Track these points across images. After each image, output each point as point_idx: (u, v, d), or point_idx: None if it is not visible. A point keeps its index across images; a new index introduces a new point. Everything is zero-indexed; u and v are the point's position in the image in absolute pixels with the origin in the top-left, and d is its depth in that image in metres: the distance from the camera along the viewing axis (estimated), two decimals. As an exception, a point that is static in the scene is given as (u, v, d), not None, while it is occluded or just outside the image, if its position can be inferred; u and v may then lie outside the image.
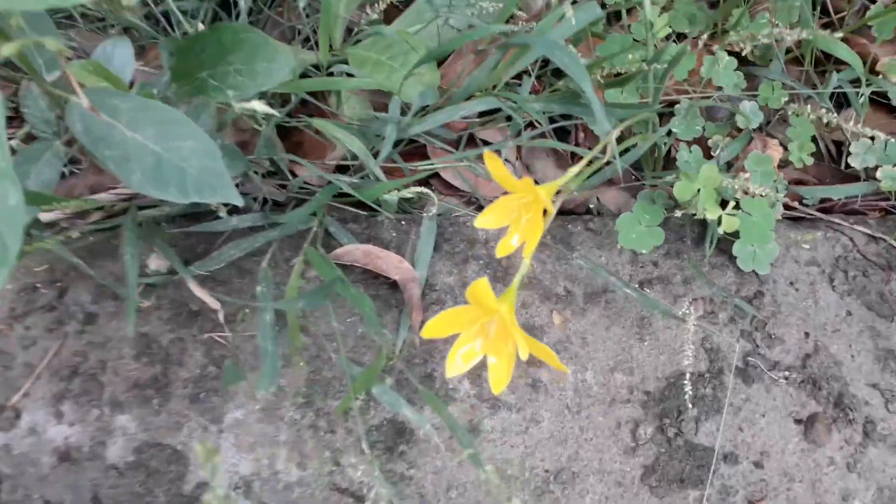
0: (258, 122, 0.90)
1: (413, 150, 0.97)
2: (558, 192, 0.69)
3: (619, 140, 0.95)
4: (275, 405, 0.82)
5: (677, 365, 0.87)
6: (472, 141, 0.97)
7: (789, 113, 0.98)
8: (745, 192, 0.86)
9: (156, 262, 0.84)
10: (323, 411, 0.82)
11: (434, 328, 0.65)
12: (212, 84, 0.76)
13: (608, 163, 0.90)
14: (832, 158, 1.05)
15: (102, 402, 0.81)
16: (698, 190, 0.86)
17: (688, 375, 0.84)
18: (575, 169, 0.68)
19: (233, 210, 0.87)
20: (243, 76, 0.75)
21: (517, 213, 0.68)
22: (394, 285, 0.87)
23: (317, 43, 0.96)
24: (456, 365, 0.66)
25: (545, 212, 0.66)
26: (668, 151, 0.98)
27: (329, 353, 0.84)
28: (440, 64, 0.98)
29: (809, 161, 0.98)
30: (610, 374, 0.87)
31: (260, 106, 0.75)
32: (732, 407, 0.86)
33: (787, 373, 0.89)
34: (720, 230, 0.87)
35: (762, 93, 1.00)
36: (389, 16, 1.02)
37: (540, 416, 0.85)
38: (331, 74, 0.96)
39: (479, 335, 0.66)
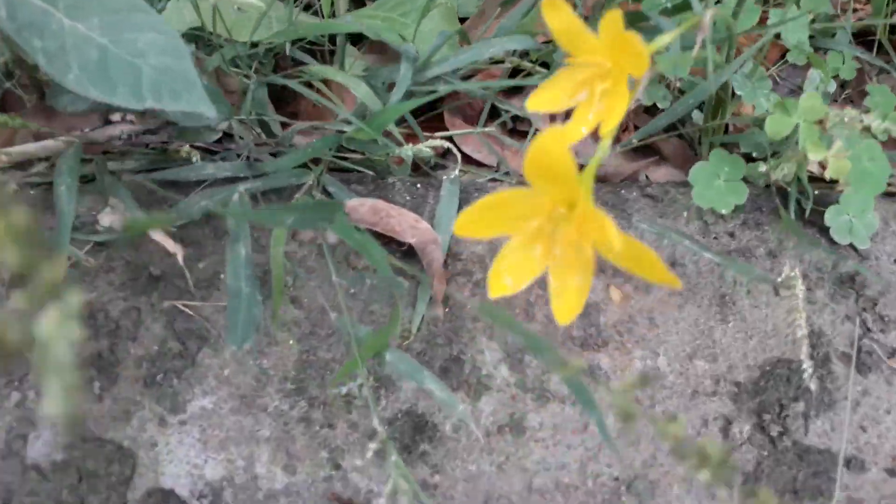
0: (246, 76, 0.76)
1: (429, 120, 0.82)
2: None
3: (682, 92, 0.81)
4: (255, 392, 0.62)
5: (771, 351, 0.68)
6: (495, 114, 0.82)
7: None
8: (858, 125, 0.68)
9: (109, 218, 0.66)
10: (318, 401, 0.62)
11: (470, 223, 0.45)
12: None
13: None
14: (908, 140, 0.90)
15: (26, 385, 0.61)
16: (796, 126, 0.69)
17: (791, 363, 0.65)
18: (666, 38, 0.50)
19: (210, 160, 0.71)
20: (225, -31, 0.62)
21: (589, 86, 0.50)
22: (409, 253, 0.69)
23: (320, 9, 0.84)
24: (503, 283, 0.46)
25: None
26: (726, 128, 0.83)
27: (326, 329, 0.65)
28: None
29: (895, 132, 0.83)
30: (688, 362, 0.68)
31: (244, -5, 0.61)
32: (849, 401, 0.67)
33: (910, 361, 0.70)
34: (828, 174, 0.69)
35: (831, 63, 0.87)
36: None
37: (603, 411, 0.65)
38: (334, 42, 0.83)
39: (537, 239, 0.46)
